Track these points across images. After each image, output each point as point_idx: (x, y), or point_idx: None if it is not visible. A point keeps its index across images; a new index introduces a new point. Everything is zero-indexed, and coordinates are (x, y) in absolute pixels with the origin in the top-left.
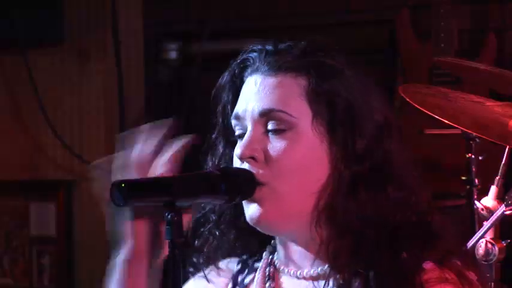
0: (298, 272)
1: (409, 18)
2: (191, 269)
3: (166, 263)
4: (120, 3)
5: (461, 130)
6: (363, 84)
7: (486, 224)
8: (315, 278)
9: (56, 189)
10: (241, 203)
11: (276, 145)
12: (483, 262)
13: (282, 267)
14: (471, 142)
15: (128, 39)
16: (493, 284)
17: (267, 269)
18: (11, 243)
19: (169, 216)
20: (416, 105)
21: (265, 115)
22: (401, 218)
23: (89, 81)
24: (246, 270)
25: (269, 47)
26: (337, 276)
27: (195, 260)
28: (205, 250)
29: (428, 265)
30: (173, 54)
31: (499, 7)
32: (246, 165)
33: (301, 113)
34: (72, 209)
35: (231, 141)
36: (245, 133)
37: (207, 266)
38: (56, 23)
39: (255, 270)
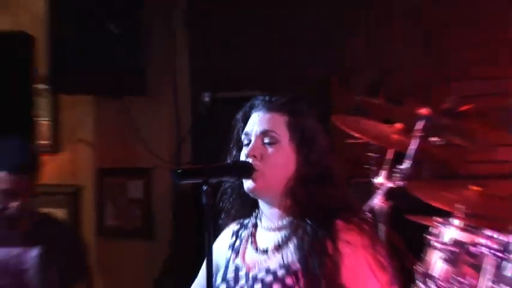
0: (270, 224)
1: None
2: (221, 221)
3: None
4: (178, 71)
5: (367, 140)
6: (317, 124)
7: (378, 193)
8: (278, 229)
9: None
10: (242, 181)
11: (268, 151)
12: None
13: (260, 224)
14: (372, 146)
15: (182, 92)
16: (384, 228)
17: (251, 229)
18: None
19: (205, 188)
20: (344, 128)
21: (264, 133)
22: (333, 203)
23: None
24: (242, 228)
25: (267, 98)
26: (290, 227)
27: (222, 215)
28: (225, 209)
29: (339, 222)
30: (207, 98)
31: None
32: (249, 160)
33: (284, 135)
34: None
35: (240, 148)
36: (250, 143)
37: (227, 219)
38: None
39: (247, 227)
